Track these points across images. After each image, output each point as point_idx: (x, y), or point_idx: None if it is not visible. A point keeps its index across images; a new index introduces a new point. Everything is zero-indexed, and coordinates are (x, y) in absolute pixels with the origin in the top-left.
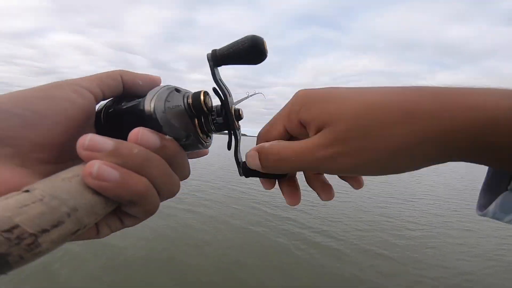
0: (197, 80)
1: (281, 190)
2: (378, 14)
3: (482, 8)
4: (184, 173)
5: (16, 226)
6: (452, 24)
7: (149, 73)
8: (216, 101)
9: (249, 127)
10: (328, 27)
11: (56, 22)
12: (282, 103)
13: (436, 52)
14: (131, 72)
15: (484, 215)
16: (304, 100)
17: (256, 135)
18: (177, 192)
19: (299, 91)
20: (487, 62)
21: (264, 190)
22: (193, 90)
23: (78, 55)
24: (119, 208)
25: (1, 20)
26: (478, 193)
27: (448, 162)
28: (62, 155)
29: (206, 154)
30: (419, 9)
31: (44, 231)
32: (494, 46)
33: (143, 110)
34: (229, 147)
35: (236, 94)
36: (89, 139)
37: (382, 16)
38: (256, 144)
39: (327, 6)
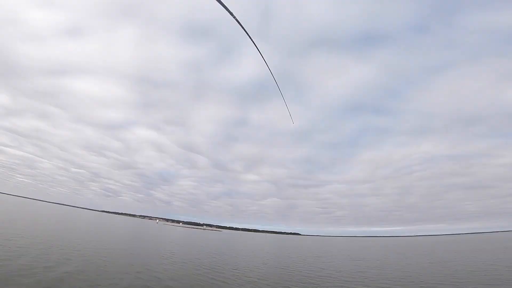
0: (251, 180)
1: None
2: (423, 89)
3: None
4: None
5: None
6: (507, 85)
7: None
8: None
9: (303, 227)
10: (378, 114)
11: (140, 116)
12: (339, 201)
13: (505, 122)
14: None
15: None
16: None
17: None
18: None
19: None
20: None
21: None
22: (249, 191)
23: (153, 151)
24: None
25: (99, 110)
26: None
27: None
28: None
29: None
30: (463, 75)
31: None
32: None
33: None
34: None
35: (288, 193)
36: None
37: (428, 91)
38: None
39: (371, 91)
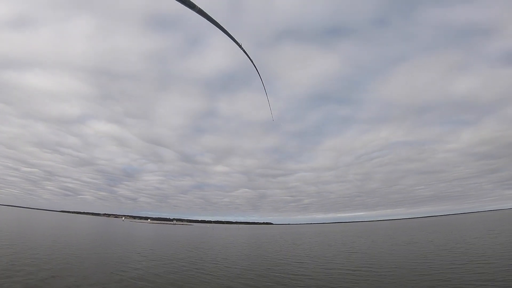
0: (221, 172)
1: None
2: (382, 80)
3: (475, 52)
4: None
5: None
6: (455, 76)
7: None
8: None
9: (275, 216)
10: (341, 103)
11: (97, 109)
12: (306, 189)
13: (452, 110)
14: None
15: None
16: None
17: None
18: None
19: None
20: (506, 109)
21: None
22: (219, 183)
23: (114, 146)
24: None
25: (51, 105)
26: None
27: None
28: None
29: None
30: (417, 66)
31: None
32: (504, 90)
33: None
34: None
35: (259, 183)
36: None
37: (387, 81)
38: None
39: (334, 82)
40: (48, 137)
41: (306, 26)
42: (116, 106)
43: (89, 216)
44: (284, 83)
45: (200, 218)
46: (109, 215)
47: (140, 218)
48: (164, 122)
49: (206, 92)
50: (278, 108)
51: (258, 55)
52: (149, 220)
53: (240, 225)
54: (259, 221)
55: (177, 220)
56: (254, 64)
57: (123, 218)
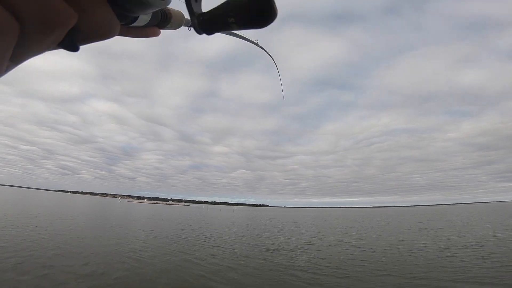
0: (220, 152)
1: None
2: (388, 67)
3: (485, 46)
4: None
5: None
6: (462, 68)
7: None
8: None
9: (272, 198)
10: (343, 89)
11: (97, 88)
12: (305, 172)
13: (455, 101)
14: None
15: None
16: None
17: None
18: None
19: None
20: (509, 102)
21: None
22: (218, 164)
23: (113, 124)
24: None
25: (50, 84)
26: None
27: None
28: None
29: (157, 34)
30: (425, 56)
31: None
32: (509, 83)
33: None
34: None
35: (257, 165)
36: None
37: (392, 69)
38: None
39: (339, 67)
40: (47, 115)
41: (312, 10)
42: (115, 85)
43: (86, 195)
44: (286, 66)
45: (197, 199)
46: (106, 195)
47: (138, 197)
48: (164, 101)
49: (207, 72)
50: (278, 91)
51: (262, 37)
52: (145, 200)
53: (235, 207)
54: (256, 203)
55: (174, 200)
56: (272, 58)
57: (119, 198)
